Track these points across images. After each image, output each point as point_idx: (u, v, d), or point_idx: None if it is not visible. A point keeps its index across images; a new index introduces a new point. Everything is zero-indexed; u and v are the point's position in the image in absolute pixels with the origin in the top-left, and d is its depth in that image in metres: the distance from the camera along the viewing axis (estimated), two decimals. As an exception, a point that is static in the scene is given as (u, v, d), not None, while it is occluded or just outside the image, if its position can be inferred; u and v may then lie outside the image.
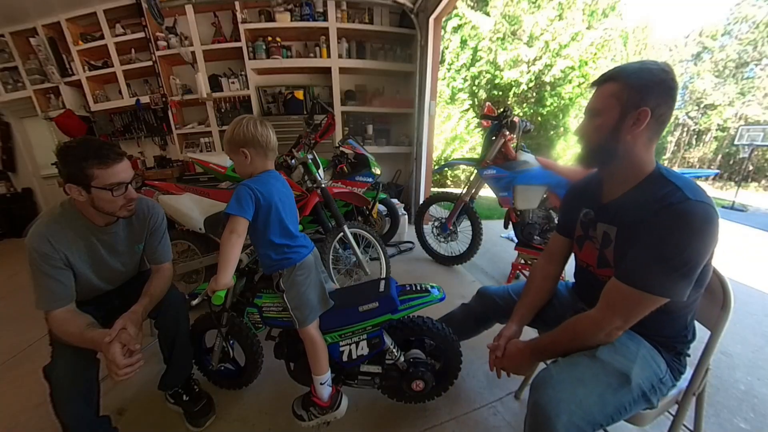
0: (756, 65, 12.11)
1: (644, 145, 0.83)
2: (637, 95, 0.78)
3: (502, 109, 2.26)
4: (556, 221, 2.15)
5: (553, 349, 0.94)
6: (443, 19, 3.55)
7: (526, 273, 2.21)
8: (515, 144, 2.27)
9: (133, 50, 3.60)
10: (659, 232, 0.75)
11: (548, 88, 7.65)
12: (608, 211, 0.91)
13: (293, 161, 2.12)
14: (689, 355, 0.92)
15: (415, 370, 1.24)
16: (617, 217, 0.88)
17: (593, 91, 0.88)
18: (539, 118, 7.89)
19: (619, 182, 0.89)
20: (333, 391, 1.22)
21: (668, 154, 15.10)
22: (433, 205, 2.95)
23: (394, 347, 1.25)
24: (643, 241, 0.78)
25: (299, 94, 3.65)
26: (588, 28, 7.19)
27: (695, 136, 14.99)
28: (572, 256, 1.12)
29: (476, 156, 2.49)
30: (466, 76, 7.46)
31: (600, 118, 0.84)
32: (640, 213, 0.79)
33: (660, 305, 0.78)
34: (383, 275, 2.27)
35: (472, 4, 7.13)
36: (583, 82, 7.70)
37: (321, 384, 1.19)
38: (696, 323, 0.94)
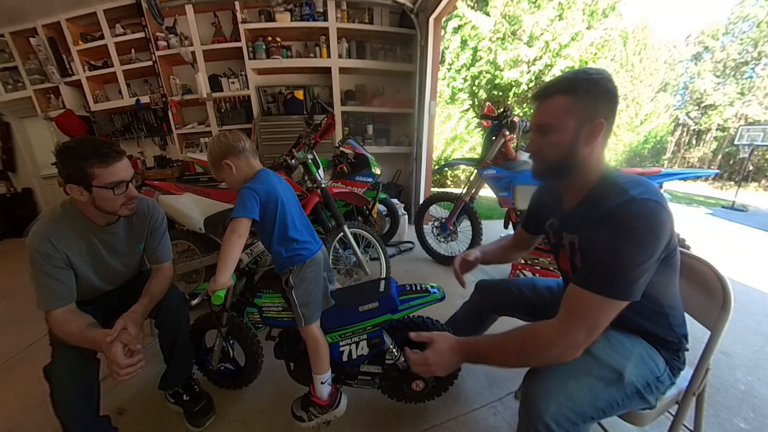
0: (756, 65, 12.11)
1: (598, 154, 0.83)
2: (590, 108, 0.78)
3: (502, 109, 2.27)
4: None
5: (493, 356, 0.88)
6: (443, 19, 3.55)
7: (527, 273, 2.21)
8: (515, 144, 2.27)
9: (133, 50, 3.60)
10: (607, 235, 0.75)
11: (548, 88, 7.65)
12: (570, 220, 0.91)
13: (293, 161, 2.12)
14: (687, 349, 0.92)
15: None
16: (577, 225, 0.88)
17: (538, 105, 0.86)
18: (539, 118, 7.88)
19: (576, 191, 0.89)
20: (332, 389, 1.22)
21: (668, 154, 15.12)
22: (433, 205, 2.95)
23: (394, 347, 1.24)
24: (596, 244, 0.78)
25: (299, 94, 3.65)
26: (588, 28, 7.19)
27: (695, 136, 14.99)
28: None
29: (476, 156, 2.50)
30: (466, 76, 7.46)
31: (555, 133, 0.82)
32: (592, 218, 0.80)
33: (620, 309, 0.76)
34: (383, 275, 2.27)
35: (472, 4, 7.13)
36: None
37: (321, 383, 1.19)
38: (696, 323, 0.94)
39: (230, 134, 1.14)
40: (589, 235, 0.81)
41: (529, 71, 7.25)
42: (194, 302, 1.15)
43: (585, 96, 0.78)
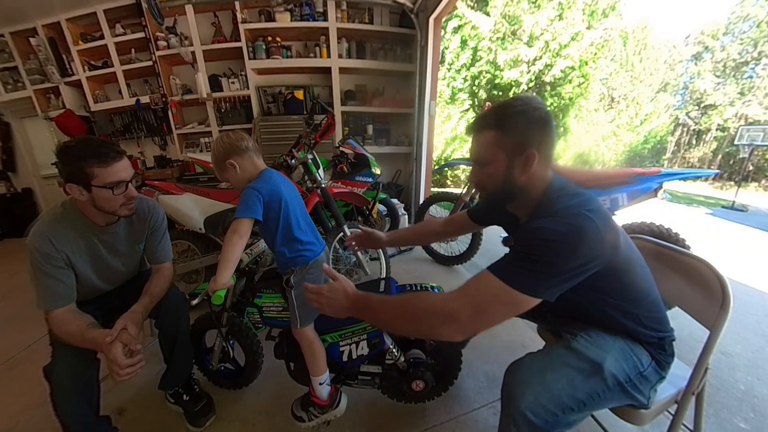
0: (756, 65, 12.11)
1: (540, 177, 0.85)
2: (519, 141, 0.80)
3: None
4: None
5: (380, 313, 0.87)
6: (443, 19, 3.55)
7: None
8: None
9: (133, 50, 3.60)
10: (528, 238, 0.77)
11: (548, 88, 7.67)
12: (519, 236, 0.92)
13: (293, 161, 2.12)
14: (674, 338, 0.92)
15: (415, 370, 1.24)
16: None
17: (472, 139, 0.88)
18: (539, 118, 7.89)
19: (524, 209, 0.91)
20: (332, 389, 1.23)
21: (668, 154, 15.12)
22: (433, 205, 2.95)
23: (394, 347, 1.25)
24: (516, 243, 0.81)
25: (299, 94, 3.65)
26: (588, 28, 7.19)
27: (695, 136, 14.99)
28: None
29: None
30: (466, 76, 7.46)
31: (489, 166, 0.85)
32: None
33: (518, 307, 0.76)
34: (383, 275, 2.27)
35: (472, 4, 7.13)
36: (583, 82, 7.70)
37: (320, 384, 1.19)
38: (695, 322, 0.94)
39: (233, 134, 1.14)
40: None
41: (529, 71, 7.26)
42: (194, 302, 1.15)
43: (513, 129, 0.80)
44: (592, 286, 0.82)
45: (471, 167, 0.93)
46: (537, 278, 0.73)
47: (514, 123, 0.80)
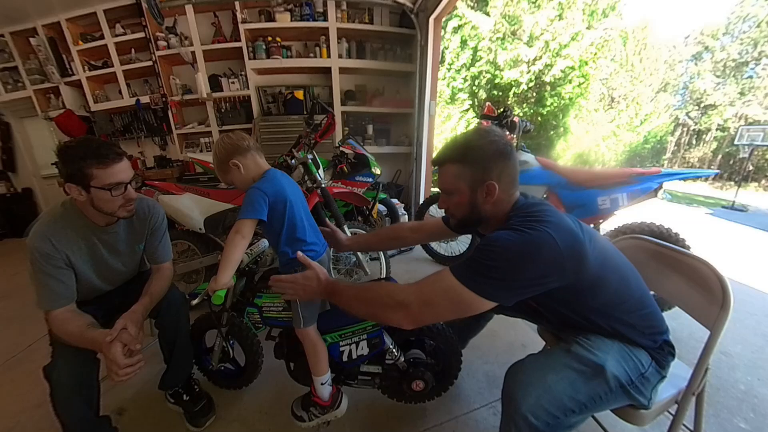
0: (756, 65, 12.11)
1: (504, 201, 0.89)
2: (479, 173, 0.86)
3: (502, 109, 2.26)
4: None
5: (347, 298, 0.96)
6: (443, 19, 3.55)
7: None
8: (515, 144, 2.27)
9: (133, 50, 3.60)
10: (484, 245, 0.80)
11: (548, 88, 7.67)
12: (480, 244, 0.95)
13: (293, 161, 2.12)
14: (669, 339, 0.92)
15: (415, 370, 1.24)
16: None
17: (437, 170, 0.95)
18: (539, 118, 7.90)
19: (493, 230, 0.93)
20: (333, 390, 1.22)
21: (668, 154, 15.12)
22: (433, 205, 2.95)
23: (394, 347, 1.24)
24: (476, 249, 0.83)
25: (299, 94, 3.65)
26: (588, 28, 7.20)
27: (695, 136, 14.99)
28: None
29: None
30: (466, 76, 7.47)
31: (454, 196, 0.92)
32: None
33: (468, 308, 0.78)
34: (383, 275, 2.27)
35: (472, 4, 7.13)
36: (583, 82, 7.70)
37: (321, 384, 1.19)
38: (695, 323, 0.94)
39: (233, 134, 1.14)
40: None
41: (529, 71, 7.26)
42: (194, 302, 1.15)
43: (472, 163, 0.86)
44: (570, 299, 0.84)
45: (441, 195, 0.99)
46: (490, 283, 0.76)
47: (474, 158, 0.86)
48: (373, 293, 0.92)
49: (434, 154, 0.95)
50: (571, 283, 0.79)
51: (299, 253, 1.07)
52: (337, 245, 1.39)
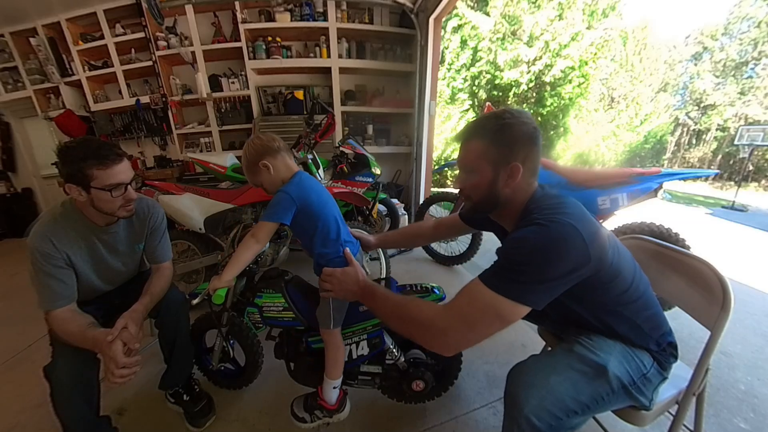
0: (756, 65, 12.11)
1: (523, 189, 0.86)
2: (504, 153, 0.81)
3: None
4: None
5: (382, 308, 0.92)
6: (443, 19, 3.55)
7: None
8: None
9: (133, 50, 3.60)
10: (511, 247, 0.78)
11: (548, 88, 7.67)
12: (505, 246, 0.93)
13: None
14: (673, 339, 0.92)
15: (415, 370, 1.24)
16: None
17: (460, 146, 0.90)
18: (539, 118, 7.90)
19: (508, 219, 0.93)
20: (341, 394, 1.22)
21: (668, 154, 15.12)
22: (433, 205, 2.95)
23: (395, 347, 1.25)
24: (502, 250, 0.81)
25: (299, 94, 3.65)
26: (588, 28, 7.20)
27: (695, 136, 15.00)
28: None
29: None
30: (466, 76, 7.46)
31: (474, 176, 0.86)
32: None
33: (508, 317, 0.75)
34: (383, 275, 2.27)
35: (472, 4, 7.13)
36: (583, 82, 7.70)
37: (333, 388, 1.19)
38: (695, 323, 0.94)
39: (263, 135, 1.14)
40: None
41: (529, 71, 7.26)
42: (194, 302, 1.15)
43: (499, 142, 0.81)
44: (585, 295, 0.83)
45: (458, 173, 0.94)
46: (525, 287, 0.74)
47: (502, 135, 0.81)
48: (410, 313, 0.86)
49: (460, 130, 0.90)
50: (593, 274, 0.77)
51: (347, 249, 1.07)
52: (365, 245, 1.38)
